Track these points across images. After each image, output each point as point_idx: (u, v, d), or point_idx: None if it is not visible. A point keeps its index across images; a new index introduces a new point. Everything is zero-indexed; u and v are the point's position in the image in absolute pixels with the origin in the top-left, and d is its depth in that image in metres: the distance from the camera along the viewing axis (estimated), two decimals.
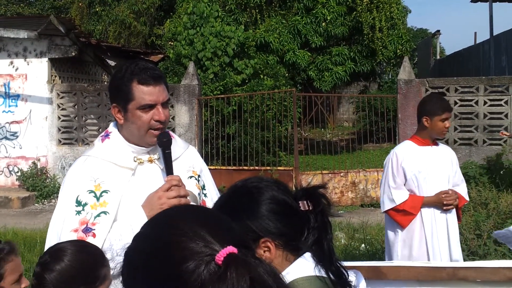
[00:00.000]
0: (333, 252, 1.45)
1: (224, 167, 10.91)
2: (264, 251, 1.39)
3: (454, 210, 3.89)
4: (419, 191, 3.81)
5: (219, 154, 11.38)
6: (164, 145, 2.16)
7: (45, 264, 1.86)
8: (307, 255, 1.43)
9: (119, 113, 2.17)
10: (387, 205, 3.88)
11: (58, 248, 1.91)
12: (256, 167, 10.84)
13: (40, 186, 11.29)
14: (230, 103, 11.49)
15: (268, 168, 10.75)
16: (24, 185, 11.47)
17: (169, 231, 0.98)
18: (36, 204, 11.11)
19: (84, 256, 1.87)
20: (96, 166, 2.17)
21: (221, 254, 0.92)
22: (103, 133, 2.28)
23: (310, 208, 1.45)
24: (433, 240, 3.79)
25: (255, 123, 11.32)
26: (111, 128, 2.26)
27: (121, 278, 2.05)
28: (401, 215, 3.83)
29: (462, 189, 3.97)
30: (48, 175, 11.58)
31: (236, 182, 1.52)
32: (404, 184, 3.86)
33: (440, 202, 3.80)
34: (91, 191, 2.13)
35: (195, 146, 10.53)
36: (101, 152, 2.20)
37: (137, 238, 1.04)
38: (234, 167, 10.89)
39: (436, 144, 3.92)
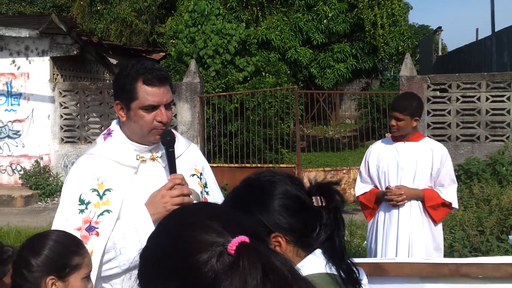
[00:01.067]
0: (345, 249, 1.43)
1: (226, 165, 10.92)
2: (275, 246, 1.36)
3: (414, 209, 3.73)
4: (380, 185, 3.86)
5: (221, 152, 11.38)
6: (167, 143, 2.16)
7: (19, 252, 1.92)
8: (318, 251, 1.41)
9: (121, 111, 2.16)
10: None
11: (34, 238, 1.95)
12: (259, 165, 10.85)
13: (43, 185, 11.31)
14: (232, 101, 11.49)
15: (271, 165, 10.75)
16: (27, 184, 11.50)
17: (181, 225, 0.99)
18: (39, 203, 11.13)
19: (56, 245, 1.89)
20: (98, 164, 2.17)
21: (233, 243, 0.91)
22: (105, 131, 2.28)
23: (323, 204, 1.42)
24: (383, 235, 3.81)
25: (257, 120, 11.32)
26: (114, 126, 2.26)
27: (127, 276, 2.07)
28: (362, 207, 3.99)
29: (447, 191, 3.76)
30: (51, 173, 11.61)
31: (249, 175, 1.49)
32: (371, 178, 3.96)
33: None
34: (94, 190, 2.12)
35: (197, 144, 10.54)
36: (104, 151, 2.20)
37: (150, 237, 1.04)
38: (236, 165, 10.89)
39: (415, 140, 3.78)
